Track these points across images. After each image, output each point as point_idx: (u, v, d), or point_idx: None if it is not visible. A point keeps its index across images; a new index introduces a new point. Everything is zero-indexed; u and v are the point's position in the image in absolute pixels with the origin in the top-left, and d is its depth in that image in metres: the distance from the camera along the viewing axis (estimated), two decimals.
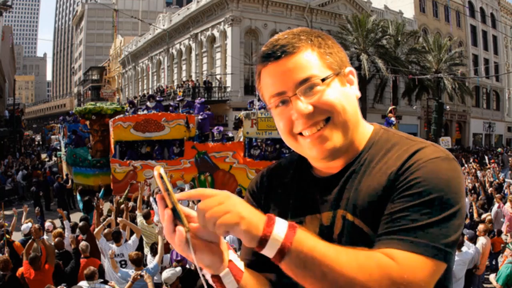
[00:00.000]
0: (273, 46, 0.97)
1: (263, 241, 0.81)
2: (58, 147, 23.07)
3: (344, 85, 0.99)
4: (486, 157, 22.63)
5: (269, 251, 0.82)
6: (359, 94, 1.02)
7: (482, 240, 6.72)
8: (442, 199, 0.87)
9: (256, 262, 1.15)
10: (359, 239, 0.93)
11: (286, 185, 1.12)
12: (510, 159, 23.28)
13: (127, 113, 14.77)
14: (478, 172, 15.72)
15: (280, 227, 0.82)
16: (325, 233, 0.99)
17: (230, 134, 14.76)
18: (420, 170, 0.89)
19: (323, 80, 0.95)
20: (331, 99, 0.95)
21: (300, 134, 0.98)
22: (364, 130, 1.04)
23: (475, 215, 8.60)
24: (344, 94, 0.98)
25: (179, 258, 5.29)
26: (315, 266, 0.81)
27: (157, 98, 16.19)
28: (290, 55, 0.96)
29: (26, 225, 7.24)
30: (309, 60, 0.96)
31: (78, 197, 10.59)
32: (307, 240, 0.82)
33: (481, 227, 6.98)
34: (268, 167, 1.21)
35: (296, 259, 0.81)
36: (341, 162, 1.02)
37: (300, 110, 0.95)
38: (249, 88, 26.35)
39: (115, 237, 5.96)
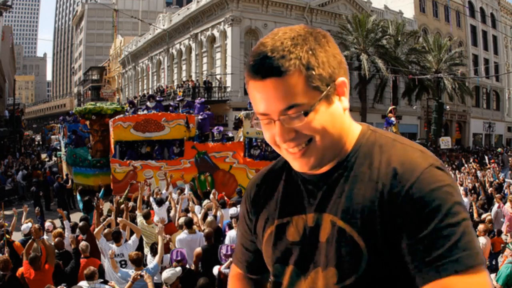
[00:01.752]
0: (260, 63, 0.92)
1: None
2: (58, 147, 23.05)
3: (331, 103, 0.95)
4: (486, 157, 22.64)
5: None
6: (347, 106, 0.98)
7: (482, 240, 6.72)
8: (451, 210, 0.87)
9: (253, 262, 1.17)
10: (348, 247, 0.93)
11: (277, 186, 1.12)
12: (510, 159, 23.28)
13: (127, 113, 14.76)
14: (478, 172, 15.72)
15: None
16: (310, 235, 1.00)
17: (230, 134, 14.75)
18: (420, 187, 0.88)
19: (307, 112, 0.91)
20: (314, 126, 0.93)
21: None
22: (352, 133, 1.01)
23: (475, 215, 8.59)
24: (329, 116, 0.94)
25: (179, 258, 5.29)
26: None
27: (157, 98, 16.19)
28: (276, 78, 0.90)
29: (26, 225, 7.23)
30: (295, 86, 0.90)
31: (78, 197, 10.59)
32: None
33: (481, 227, 6.98)
34: (261, 171, 1.20)
35: None
36: (327, 166, 1.01)
37: (282, 136, 0.94)
38: None
39: (115, 237, 5.96)
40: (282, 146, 0.97)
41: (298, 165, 0.98)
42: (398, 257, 0.90)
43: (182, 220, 6.84)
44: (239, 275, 1.26)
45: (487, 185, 12.79)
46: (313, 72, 0.91)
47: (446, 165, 19.05)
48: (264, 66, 0.91)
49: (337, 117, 0.96)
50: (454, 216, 0.86)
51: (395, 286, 0.92)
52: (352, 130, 1.02)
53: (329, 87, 0.94)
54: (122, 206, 7.69)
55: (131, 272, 4.91)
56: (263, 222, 1.12)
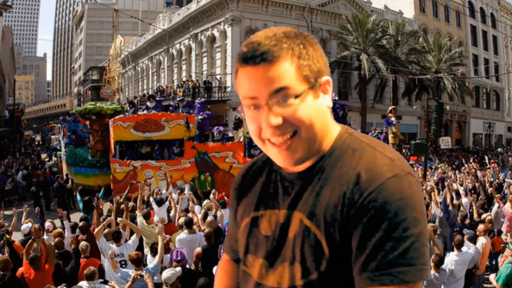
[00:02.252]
0: (253, 49, 0.96)
1: None
2: (58, 147, 23.06)
3: (317, 97, 0.99)
4: (486, 157, 22.65)
5: None
6: (330, 104, 1.02)
7: (482, 240, 6.72)
8: (407, 220, 0.89)
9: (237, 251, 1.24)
10: (311, 245, 0.97)
11: (258, 179, 1.15)
12: (510, 159, 23.27)
13: (127, 113, 14.76)
14: (478, 172, 15.73)
15: None
16: (280, 231, 1.04)
17: (230, 134, 14.75)
18: (380, 196, 0.90)
19: (296, 96, 0.95)
20: (301, 115, 0.95)
21: (269, 139, 0.99)
22: (331, 133, 1.04)
23: (475, 215, 8.59)
24: (315, 108, 0.98)
25: (179, 258, 5.29)
26: None
27: (157, 98, 16.20)
28: (268, 63, 0.95)
29: (26, 225, 7.24)
30: (286, 72, 0.95)
31: (78, 197, 10.58)
32: None
33: (481, 227, 6.98)
34: (248, 163, 1.24)
35: None
36: (306, 164, 1.03)
37: (269, 122, 0.95)
38: None
39: (115, 237, 5.96)
40: (266, 136, 0.98)
41: (281, 159, 1.00)
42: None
43: (182, 220, 6.84)
44: (227, 260, 1.31)
45: (487, 185, 12.80)
46: (304, 62, 0.97)
47: (446, 165, 19.07)
48: (257, 52, 0.95)
49: (322, 111, 1.00)
50: (403, 230, 0.88)
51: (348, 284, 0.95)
52: (332, 129, 1.04)
53: (316, 81, 0.98)
54: (122, 206, 7.69)
55: (131, 272, 4.91)
56: (242, 212, 1.16)
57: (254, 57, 0.95)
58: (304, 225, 0.99)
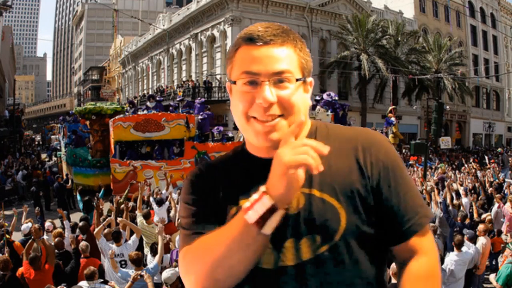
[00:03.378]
0: (264, 31, 1.02)
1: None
2: (58, 147, 23.06)
3: (306, 91, 1.07)
4: (486, 157, 22.64)
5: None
6: (310, 103, 1.11)
7: (482, 240, 6.72)
8: (408, 174, 1.12)
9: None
10: (327, 212, 1.01)
11: (234, 169, 1.12)
12: (510, 159, 23.26)
13: (127, 113, 14.77)
14: (478, 172, 15.73)
15: None
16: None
17: (230, 134, 14.76)
18: (389, 155, 1.08)
19: (297, 79, 1.02)
20: (294, 100, 1.02)
21: (254, 117, 1.02)
22: (307, 126, 1.13)
23: (475, 215, 8.59)
24: (303, 100, 1.05)
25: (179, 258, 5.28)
26: None
27: (157, 98, 16.21)
28: (277, 44, 1.02)
29: (26, 225, 7.24)
30: (291, 58, 1.03)
31: (78, 197, 10.58)
32: None
33: (481, 227, 6.98)
34: (205, 164, 1.17)
35: None
36: None
37: (266, 97, 0.99)
38: None
39: (115, 237, 5.96)
40: (255, 113, 1.01)
41: (262, 138, 1.03)
42: (372, 216, 1.04)
43: None
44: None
45: (487, 185, 12.79)
46: (303, 55, 1.06)
47: (446, 165, 19.08)
48: (267, 33, 1.02)
49: (307, 105, 1.08)
50: (408, 178, 1.11)
51: (368, 246, 1.03)
52: (308, 122, 1.14)
53: (306, 78, 1.07)
54: (122, 206, 7.69)
55: (131, 272, 4.91)
56: (223, 204, 1.08)
57: (265, 37, 1.01)
58: (313, 196, 1.03)
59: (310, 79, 1.09)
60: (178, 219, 7.44)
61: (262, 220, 0.89)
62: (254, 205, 0.89)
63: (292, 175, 0.87)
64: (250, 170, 1.10)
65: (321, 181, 1.03)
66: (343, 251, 1.00)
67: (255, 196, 0.90)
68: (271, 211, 0.89)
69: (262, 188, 0.90)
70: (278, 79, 1.00)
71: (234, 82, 1.04)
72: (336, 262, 1.00)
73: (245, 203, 0.91)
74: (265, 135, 1.02)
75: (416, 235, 1.04)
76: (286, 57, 1.02)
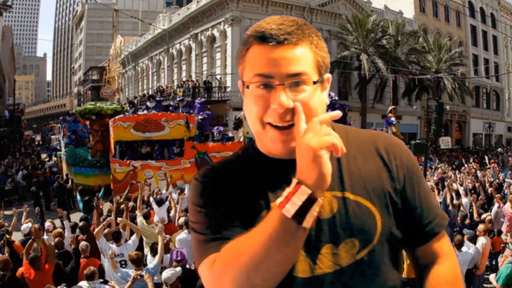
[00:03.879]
0: (278, 29, 0.95)
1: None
2: (58, 147, 23.05)
3: (323, 90, 1.02)
4: (486, 157, 22.63)
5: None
6: (327, 101, 1.04)
7: (482, 240, 6.72)
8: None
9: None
10: (364, 215, 0.99)
11: (250, 176, 1.04)
12: (510, 159, 23.26)
13: (127, 113, 14.77)
14: (478, 172, 15.73)
15: None
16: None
17: (230, 134, 14.76)
18: (407, 157, 1.08)
19: (314, 82, 0.96)
20: (312, 104, 0.95)
21: (269, 123, 0.96)
22: None
23: (475, 215, 8.60)
24: (320, 101, 0.99)
25: (179, 258, 5.29)
26: None
27: (157, 98, 16.20)
28: (291, 44, 0.94)
29: (26, 225, 7.24)
30: (306, 57, 0.96)
31: (78, 197, 10.58)
32: None
33: (481, 227, 6.98)
34: (214, 165, 1.10)
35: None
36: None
37: (282, 103, 0.93)
38: None
39: (115, 237, 5.96)
40: (269, 119, 0.95)
41: (279, 145, 0.98)
42: (400, 218, 1.04)
43: (182, 220, 6.84)
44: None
45: (487, 185, 12.80)
46: (320, 52, 0.99)
47: (446, 165, 19.08)
48: (280, 32, 0.94)
49: (323, 107, 1.01)
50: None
51: (398, 248, 1.06)
52: None
53: (323, 75, 1.01)
54: (122, 206, 7.69)
55: (131, 272, 4.91)
56: (247, 212, 1.00)
57: (278, 36, 0.94)
58: (347, 199, 0.99)
59: (327, 76, 1.03)
60: (178, 219, 7.44)
61: (301, 212, 0.81)
62: (291, 198, 0.82)
63: (322, 159, 0.81)
64: (269, 171, 1.03)
65: (353, 184, 1.01)
66: (380, 255, 0.99)
67: (288, 189, 0.83)
68: (310, 201, 0.81)
69: (295, 180, 0.83)
70: (294, 82, 0.94)
71: (247, 87, 0.98)
72: (374, 266, 0.98)
73: (278, 199, 0.84)
74: (283, 143, 0.97)
75: (437, 237, 1.08)
76: (302, 57, 0.95)
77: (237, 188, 1.02)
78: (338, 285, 0.96)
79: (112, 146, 13.78)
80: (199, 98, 18.72)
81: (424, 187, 1.09)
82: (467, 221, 7.85)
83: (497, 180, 14.41)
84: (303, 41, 0.96)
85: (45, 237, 6.41)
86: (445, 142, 22.02)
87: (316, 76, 0.97)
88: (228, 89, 26.30)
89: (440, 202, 8.52)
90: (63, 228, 7.14)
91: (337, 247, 0.97)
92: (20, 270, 5.39)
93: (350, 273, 0.96)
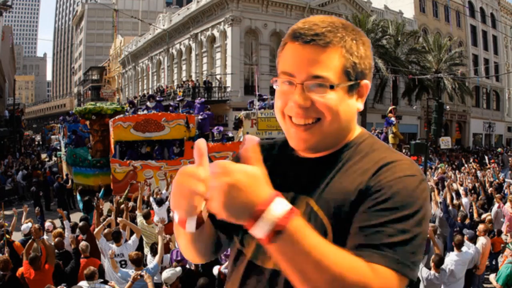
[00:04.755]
0: (309, 28, 0.96)
1: (256, 215, 0.79)
2: (58, 147, 23.05)
3: (351, 96, 1.00)
4: (486, 157, 22.63)
5: (261, 229, 0.79)
6: (361, 108, 1.03)
7: (482, 240, 6.72)
8: (414, 217, 0.90)
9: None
10: (316, 228, 0.91)
11: (274, 161, 1.10)
12: (510, 159, 23.27)
13: (127, 113, 14.77)
14: (478, 172, 15.72)
15: (280, 206, 0.81)
16: None
17: (230, 134, 14.76)
18: (397, 185, 0.91)
19: (331, 86, 0.95)
20: (329, 104, 0.96)
21: (290, 118, 1.00)
22: (353, 132, 1.06)
23: (475, 215, 8.59)
24: (345, 104, 0.98)
25: (179, 258, 5.29)
26: (306, 254, 0.80)
27: (157, 98, 16.21)
28: (318, 47, 0.95)
29: (26, 225, 7.24)
30: (331, 61, 0.96)
31: (78, 197, 10.59)
32: (304, 227, 0.82)
33: (481, 227, 6.98)
34: (267, 142, 1.19)
35: (288, 243, 0.80)
36: (319, 154, 1.04)
37: (297, 101, 0.96)
38: (249, 88, 26.33)
39: (115, 237, 5.96)
40: (290, 113, 0.99)
41: (296, 141, 1.02)
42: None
43: None
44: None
45: (487, 185, 12.79)
46: (351, 58, 0.97)
47: (446, 165, 19.07)
48: (311, 32, 0.96)
49: (351, 111, 1.01)
50: (406, 223, 0.89)
51: None
52: (355, 129, 1.07)
53: (356, 81, 0.99)
54: (122, 206, 7.69)
55: (131, 272, 4.91)
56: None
57: (306, 35, 0.96)
58: (310, 208, 0.99)
59: (365, 82, 1.01)
60: None
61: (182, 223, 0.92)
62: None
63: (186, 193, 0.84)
64: (282, 166, 1.09)
65: (321, 195, 0.99)
66: None
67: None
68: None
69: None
70: (312, 84, 0.95)
71: (276, 81, 1.02)
72: None
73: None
74: (298, 140, 1.01)
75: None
76: (326, 60, 0.95)
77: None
78: (272, 283, 1.01)
79: (112, 146, 13.78)
80: (199, 98, 18.74)
81: (392, 216, 0.89)
82: (467, 221, 7.84)
83: (497, 180, 14.40)
84: (332, 44, 0.96)
85: (45, 237, 6.41)
86: (445, 142, 22.03)
87: (342, 80, 0.97)
88: (228, 89, 26.31)
89: (440, 202, 8.52)
90: (63, 228, 7.14)
91: None
92: (20, 270, 5.39)
93: (283, 277, 0.97)
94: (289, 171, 1.07)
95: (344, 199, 0.95)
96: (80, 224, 7.18)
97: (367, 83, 1.02)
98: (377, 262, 0.85)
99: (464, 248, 5.98)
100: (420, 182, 0.94)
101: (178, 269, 4.91)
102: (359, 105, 1.02)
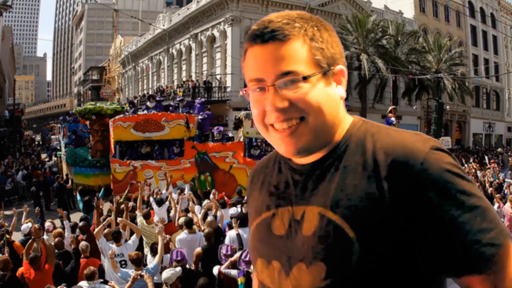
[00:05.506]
0: (264, 27, 0.89)
1: None
2: (58, 147, 23.05)
3: (329, 84, 0.91)
4: (486, 157, 22.62)
5: None
6: (344, 95, 0.95)
7: None
8: (468, 193, 0.83)
9: None
10: (338, 239, 0.86)
11: (269, 177, 1.06)
12: (510, 159, 23.28)
13: (127, 113, 14.76)
14: (478, 172, 15.71)
15: None
16: (295, 228, 0.94)
17: (230, 134, 14.75)
18: (428, 169, 0.82)
19: (304, 78, 0.87)
20: (309, 98, 0.88)
21: (272, 125, 0.91)
22: (344, 123, 0.96)
23: None
24: (326, 95, 0.90)
25: (179, 258, 5.29)
26: None
27: (157, 98, 16.18)
28: (278, 42, 0.88)
29: (26, 225, 7.24)
30: (297, 53, 0.88)
31: (78, 197, 10.59)
32: None
33: None
34: (258, 162, 1.16)
35: None
36: (314, 157, 0.95)
37: (273, 104, 0.88)
38: None
39: (115, 237, 5.96)
40: (270, 121, 0.90)
41: (284, 147, 0.92)
42: (395, 250, 0.83)
43: (182, 220, 6.84)
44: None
45: (487, 185, 12.79)
46: (316, 45, 0.90)
47: None
48: (267, 30, 0.89)
49: (333, 100, 0.92)
50: (470, 203, 0.82)
51: (387, 281, 0.85)
52: (345, 120, 0.97)
53: (329, 67, 0.91)
54: (122, 206, 7.69)
55: (131, 272, 4.91)
56: (253, 213, 1.07)
57: (263, 34, 0.89)
58: (327, 218, 0.88)
59: (339, 67, 0.93)
60: (178, 219, 7.44)
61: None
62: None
63: None
64: (279, 179, 1.03)
65: (338, 202, 0.88)
66: (362, 281, 0.85)
67: None
68: None
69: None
70: (285, 81, 0.87)
71: (246, 91, 0.95)
72: None
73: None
74: (287, 146, 0.91)
75: (482, 268, 0.82)
76: (291, 54, 0.87)
77: (258, 185, 1.09)
78: None
79: (112, 146, 13.78)
80: (199, 98, 18.72)
81: (456, 203, 0.81)
82: None
83: (497, 180, 14.40)
84: (292, 36, 0.88)
85: (45, 237, 6.40)
86: (445, 142, 22.05)
87: (314, 69, 0.89)
88: (228, 89, 26.30)
89: None
90: (63, 228, 7.14)
91: (307, 268, 0.90)
92: (20, 270, 5.39)
93: None
94: (288, 184, 0.99)
95: (363, 201, 0.86)
96: (80, 224, 7.18)
97: (341, 68, 0.93)
98: (489, 256, 0.80)
99: None
100: (440, 150, 0.85)
101: (178, 269, 4.91)
102: (341, 91, 0.93)
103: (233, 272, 5.11)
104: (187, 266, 5.48)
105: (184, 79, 31.10)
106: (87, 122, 16.41)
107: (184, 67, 32.65)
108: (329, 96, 0.91)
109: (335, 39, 0.94)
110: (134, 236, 6.20)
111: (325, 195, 0.91)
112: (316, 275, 0.88)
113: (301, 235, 0.92)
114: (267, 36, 0.88)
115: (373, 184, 0.86)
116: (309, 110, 0.88)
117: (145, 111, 14.33)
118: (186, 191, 10.06)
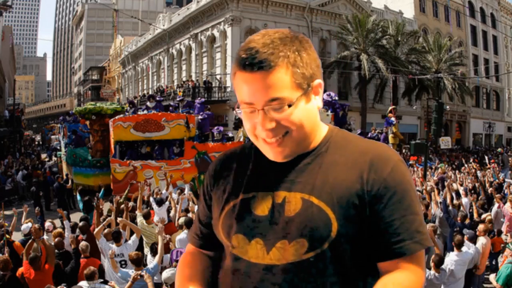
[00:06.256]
0: (251, 56, 1.02)
1: None
2: (58, 147, 23.06)
3: (309, 100, 1.08)
4: (486, 157, 22.61)
5: None
6: (321, 105, 1.12)
7: (482, 240, 6.72)
8: (415, 199, 1.08)
9: (208, 238, 1.25)
10: (320, 219, 1.05)
11: (242, 165, 1.20)
12: (510, 159, 23.28)
13: (127, 113, 14.77)
14: (478, 172, 15.71)
15: None
16: (278, 210, 1.09)
17: (230, 134, 14.76)
18: (394, 176, 1.06)
19: (289, 105, 1.03)
20: (293, 119, 1.05)
21: (263, 138, 1.09)
22: (321, 129, 1.16)
23: (475, 215, 8.59)
24: (306, 112, 1.07)
25: (179, 258, 5.28)
26: None
27: (157, 98, 16.20)
28: (265, 71, 1.02)
29: (26, 225, 7.24)
30: (281, 80, 1.03)
31: (78, 197, 10.59)
32: None
33: (481, 227, 6.98)
34: (226, 152, 1.30)
35: None
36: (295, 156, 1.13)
37: (263, 125, 1.05)
38: None
39: (115, 237, 5.96)
40: (261, 135, 1.08)
41: (273, 155, 1.10)
42: (363, 231, 1.05)
43: (182, 220, 6.84)
44: (193, 251, 1.30)
45: (487, 185, 12.78)
46: (298, 70, 1.05)
47: (446, 165, 19.08)
48: (255, 60, 1.02)
49: (312, 113, 1.10)
50: (415, 206, 1.07)
51: (357, 257, 1.06)
52: (321, 127, 1.16)
53: (309, 86, 1.07)
54: (122, 206, 7.69)
55: (131, 272, 4.91)
56: (225, 196, 1.19)
57: (252, 65, 1.02)
58: (310, 202, 1.06)
59: (317, 82, 1.09)
60: (178, 219, 7.44)
61: None
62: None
63: None
64: (259, 169, 1.17)
65: (322, 190, 1.07)
66: (328, 260, 1.05)
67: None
68: None
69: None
70: (273, 107, 1.03)
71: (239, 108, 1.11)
72: (319, 268, 1.05)
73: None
74: (275, 154, 1.10)
75: (404, 258, 1.04)
76: (277, 82, 1.02)
77: (227, 176, 1.22)
78: (282, 278, 1.06)
79: (112, 146, 13.78)
80: (199, 98, 18.72)
81: (405, 206, 1.05)
82: (467, 221, 7.84)
83: (497, 180, 14.40)
84: (277, 65, 1.02)
85: (45, 237, 6.41)
86: (445, 142, 22.02)
87: (297, 93, 1.04)
88: (228, 89, 26.31)
89: (440, 202, 8.52)
90: (63, 228, 7.15)
91: (289, 244, 1.06)
92: (20, 270, 5.39)
93: (294, 270, 1.06)
94: (270, 172, 1.14)
95: (346, 190, 1.06)
96: (80, 224, 7.18)
97: (319, 82, 1.10)
98: (414, 251, 1.04)
99: (464, 248, 5.98)
100: (402, 161, 1.11)
101: None
102: (318, 102, 1.11)
103: None
104: None
105: (184, 79, 31.09)
106: (87, 122, 16.41)
107: (184, 67, 32.65)
108: (309, 111, 1.09)
109: (313, 56, 1.09)
110: (134, 236, 6.20)
111: (309, 184, 1.09)
112: (299, 249, 1.05)
113: (284, 216, 1.08)
114: (255, 67, 1.02)
115: (352, 177, 1.07)
116: (292, 127, 1.06)
117: (145, 111, 14.34)
118: (186, 191, 10.06)
